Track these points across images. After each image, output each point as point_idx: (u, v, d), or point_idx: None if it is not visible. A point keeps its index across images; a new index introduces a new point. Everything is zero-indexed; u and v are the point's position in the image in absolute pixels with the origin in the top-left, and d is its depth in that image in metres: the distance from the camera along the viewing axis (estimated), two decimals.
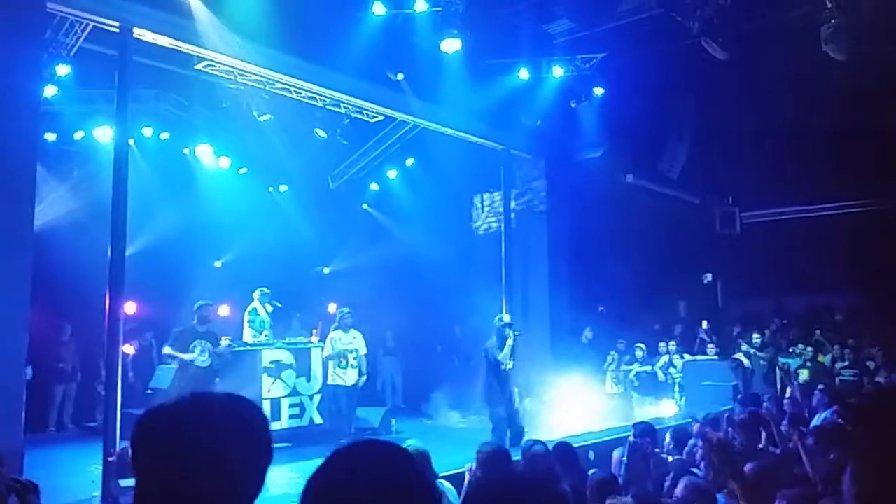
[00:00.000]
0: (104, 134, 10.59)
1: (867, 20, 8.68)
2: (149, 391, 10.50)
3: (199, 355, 8.04)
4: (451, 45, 9.34)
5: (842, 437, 5.55)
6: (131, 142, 8.52)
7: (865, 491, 1.09)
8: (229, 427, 1.36)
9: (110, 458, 6.42)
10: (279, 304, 9.96)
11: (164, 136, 12.04)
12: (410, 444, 4.77)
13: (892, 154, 12.69)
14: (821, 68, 9.56)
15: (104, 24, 7.33)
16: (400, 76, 9.73)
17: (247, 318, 9.63)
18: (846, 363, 11.77)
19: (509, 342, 8.62)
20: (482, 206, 13.69)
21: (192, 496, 1.30)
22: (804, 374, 11.51)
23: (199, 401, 1.44)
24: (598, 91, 11.53)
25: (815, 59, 9.21)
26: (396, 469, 1.23)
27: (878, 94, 10.79)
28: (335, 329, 9.30)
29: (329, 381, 9.33)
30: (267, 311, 9.70)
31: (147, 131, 11.69)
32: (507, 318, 8.96)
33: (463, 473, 5.09)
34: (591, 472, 4.80)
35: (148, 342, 11.78)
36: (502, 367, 8.54)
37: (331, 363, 9.19)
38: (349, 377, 9.14)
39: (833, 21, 8.80)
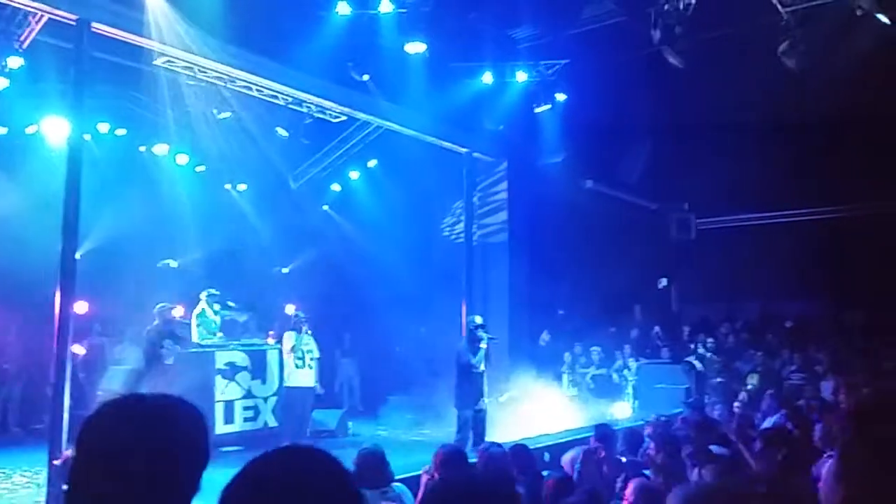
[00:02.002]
0: (57, 128, 10.31)
1: (823, 33, 8.92)
2: (99, 392, 10.25)
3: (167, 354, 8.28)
4: (416, 48, 9.34)
5: (787, 439, 5.71)
6: (87, 137, 8.33)
7: (854, 493, 1.11)
8: (160, 427, 1.35)
9: (56, 462, 6.25)
10: (234, 305, 9.83)
11: (121, 132, 11.79)
12: (366, 445, 4.76)
13: (845, 164, 13.09)
14: (778, 79, 9.81)
15: (61, 16, 7.14)
16: (365, 77, 9.69)
17: (195, 320, 9.50)
18: (794, 368, 12.07)
19: (482, 345, 8.58)
20: (444, 209, 13.70)
21: (119, 496, 1.29)
22: (754, 379, 11.77)
23: (130, 402, 1.44)
24: (561, 97, 11.64)
25: (772, 70, 9.45)
26: (311, 477, 1.17)
27: (834, 105, 11.11)
28: (291, 330, 9.29)
29: (288, 383, 9.25)
30: (215, 312, 9.56)
31: (103, 127, 11.45)
32: (478, 319, 8.89)
33: (420, 476, 5.08)
34: (545, 473, 4.84)
35: (99, 342, 11.50)
36: (474, 371, 8.50)
37: (290, 360, 9.11)
38: (308, 378, 9.08)
39: (790, 33, 9.04)
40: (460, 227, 13.01)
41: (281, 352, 9.44)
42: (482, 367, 8.60)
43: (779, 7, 8.98)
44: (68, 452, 6.23)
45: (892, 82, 10.63)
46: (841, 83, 10.28)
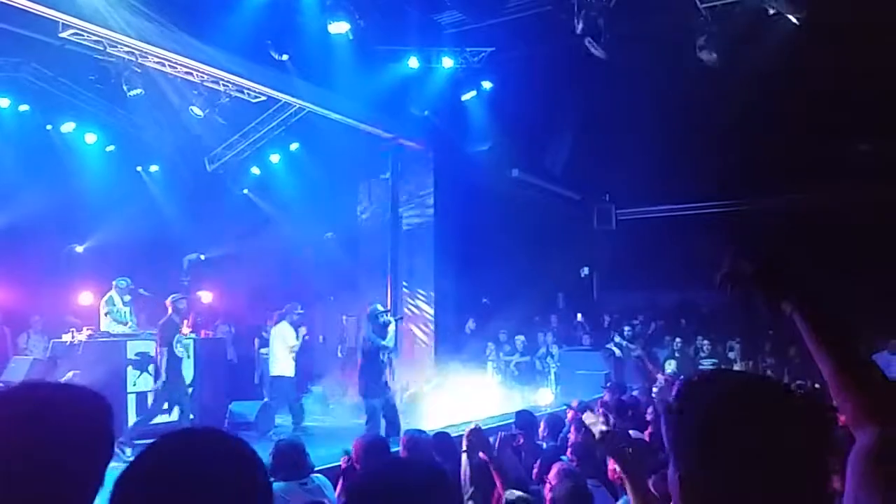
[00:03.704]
0: None
1: (738, 29, 9.22)
2: (0, 384, 9.65)
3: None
4: (339, 28, 9.12)
5: None
6: None
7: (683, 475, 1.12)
8: (58, 418, 1.25)
9: None
10: (146, 293, 9.42)
11: (24, 108, 11.12)
12: (283, 438, 4.62)
13: (759, 157, 13.62)
14: (696, 72, 10.08)
15: None
16: (284, 57, 9.39)
17: (103, 308, 9.06)
18: (705, 354, 12.53)
19: (391, 328, 8.52)
20: (369, 195, 13.51)
21: (16, 494, 1.19)
22: (671, 365, 12.15)
23: (29, 390, 1.35)
24: (487, 84, 11.63)
25: (690, 64, 9.69)
26: (212, 460, 1.07)
27: (749, 99, 11.51)
28: (284, 321, 9.63)
29: (275, 373, 9.51)
30: (123, 301, 9.15)
31: (3, 102, 10.76)
32: (380, 307, 8.80)
33: (338, 466, 4.96)
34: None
35: (0, 331, 10.84)
36: (381, 357, 8.39)
37: (283, 351, 9.42)
38: (292, 368, 9.48)
39: (706, 29, 9.29)
40: (370, 211, 12.89)
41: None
42: (388, 352, 8.56)
43: (697, 3, 9.21)
44: None
45: (802, 78, 11.11)
46: (755, 78, 10.66)
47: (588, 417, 3.06)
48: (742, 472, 1.05)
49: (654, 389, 9.06)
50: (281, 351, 9.50)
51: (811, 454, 1.10)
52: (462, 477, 3.62)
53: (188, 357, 9.10)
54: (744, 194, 14.94)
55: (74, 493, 1.25)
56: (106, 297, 9.12)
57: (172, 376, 8.13)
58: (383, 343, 8.37)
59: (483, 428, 4.03)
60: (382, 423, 8.21)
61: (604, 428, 2.66)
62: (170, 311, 8.38)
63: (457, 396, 10.44)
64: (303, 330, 9.67)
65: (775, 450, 1.06)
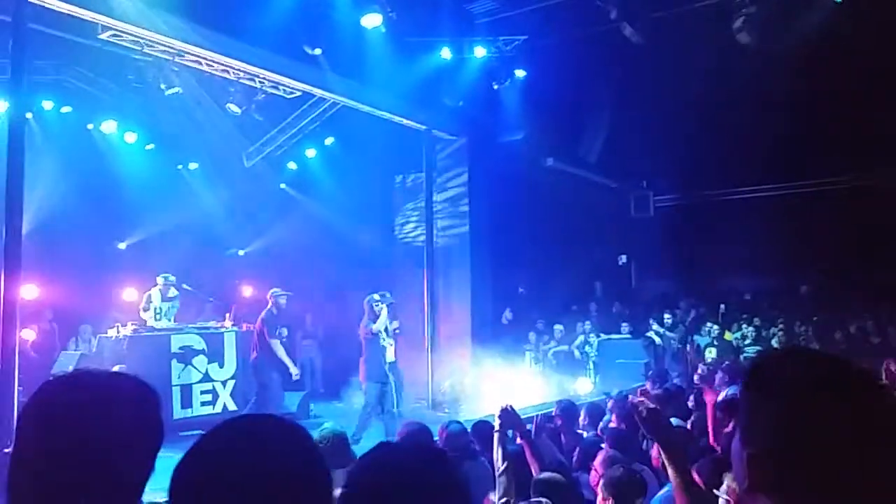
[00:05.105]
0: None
1: (777, 8, 9.00)
2: (51, 378, 9.95)
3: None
4: (372, 21, 9.14)
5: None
6: (29, 115, 7.99)
7: (754, 452, 1.10)
8: (109, 405, 1.28)
9: (6, 451, 6.05)
10: (189, 288, 9.60)
11: (66, 109, 11.38)
12: (327, 426, 4.66)
13: (800, 140, 13.31)
14: (734, 55, 9.89)
15: None
16: (318, 51, 9.44)
17: (141, 303, 9.28)
18: (749, 341, 12.30)
19: (383, 313, 8.68)
20: (404, 187, 13.56)
21: (67, 479, 1.21)
22: (711, 353, 11.97)
23: (81, 379, 1.37)
24: (520, 73, 11.55)
25: (727, 46, 9.51)
26: (274, 447, 1.06)
27: (789, 80, 11.26)
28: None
29: None
30: (168, 297, 9.34)
31: (47, 104, 11.03)
32: (376, 296, 8.92)
33: None
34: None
35: (49, 326, 11.16)
36: (381, 342, 8.60)
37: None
38: (389, 355, 9.38)
39: (744, 10, 9.10)
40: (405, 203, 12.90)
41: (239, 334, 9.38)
42: (388, 336, 8.75)
43: None
44: None
45: (846, 58, 10.82)
46: (795, 59, 10.41)
47: (634, 398, 3.05)
48: (828, 452, 1.03)
49: (696, 378, 8.95)
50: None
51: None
52: (494, 455, 3.64)
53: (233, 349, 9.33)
54: (784, 178, 14.63)
55: (124, 480, 1.27)
56: (146, 294, 9.34)
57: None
58: (374, 326, 8.58)
59: (523, 417, 4.04)
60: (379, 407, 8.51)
61: (651, 405, 2.64)
62: (269, 304, 8.82)
63: (495, 386, 10.45)
64: (395, 323, 9.65)
65: (866, 430, 1.03)
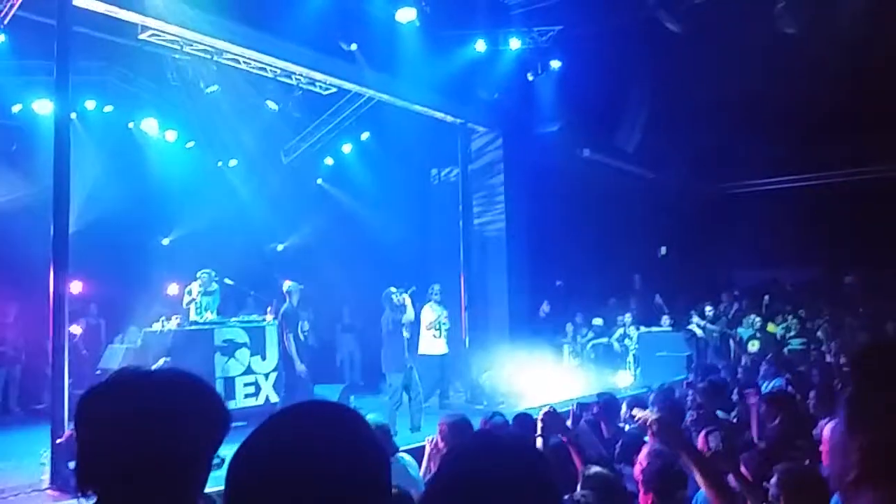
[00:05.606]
0: (44, 107, 10.12)
1: None
2: (98, 371, 10.21)
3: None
4: (406, 15, 9.16)
5: (786, 403, 5.74)
6: (73, 115, 8.16)
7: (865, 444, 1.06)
8: (177, 398, 1.31)
9: (59, 441, 6.22)
10: (230, 282, 9.75)
11: (108, 109, 11.61)
12: (370, 418, 4.70)
13: (838, 127, 12.98)
14: (773, 43, 9.67)
15: None
16: (353, 47, 9.49)
17: (185, 298, 9.47)
18: (794, 333, 12.06)
19: (408, 302, 8.78)
20: (440, 180, 13.58)
21: (140, 468, 1.24)
22: (754, 345, 11.77)
23: (144, 374, 1.40)
24: (555, 64, 11.45)
25: (768, 33, 9.31)
26: (339, 434, 1.03)
27: (831, 68, 10.97)
28: (431, 302, 10.05)
29: (420, 352, 9.73)
30: (208, 292, 9.51)
31: (90, 104, 11.27)
32: (393, 289, 8.96)
33: (423, 447, 5.04)
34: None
35: (96, 321, 11.44)
36: (402, 333, 8.67)
37: (426, 333, 9.80)
38: (440, 347, 9.79)
39: None
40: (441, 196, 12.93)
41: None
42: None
43: None
44: (70, 431, 6.20)
45: (887, 44, 10.49)
46: (837, 46, 10.13)
47: (637, 412, 3.03)
48: None
49: (740, 371, 8.82)
50: (422, 330, 9.89)
51: None
52: None
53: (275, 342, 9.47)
54: (826, 167, 14.29)
55: (193, 470, 1.31)
56: (187, 288, 9.52)
57: (304, 362, 8.62)
58: (395, 316, 8.67)
59: (562, 411, 4.01)
60: (405, 397, 8.59)
61: (652, 416, 2.61)
62: (286, 299, 8.83)
63: (533, 379, 10.42)
64: (444, 314, 10.05)
65: None
